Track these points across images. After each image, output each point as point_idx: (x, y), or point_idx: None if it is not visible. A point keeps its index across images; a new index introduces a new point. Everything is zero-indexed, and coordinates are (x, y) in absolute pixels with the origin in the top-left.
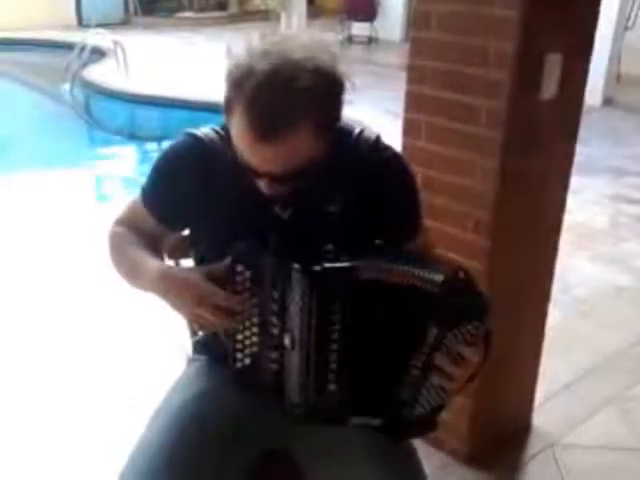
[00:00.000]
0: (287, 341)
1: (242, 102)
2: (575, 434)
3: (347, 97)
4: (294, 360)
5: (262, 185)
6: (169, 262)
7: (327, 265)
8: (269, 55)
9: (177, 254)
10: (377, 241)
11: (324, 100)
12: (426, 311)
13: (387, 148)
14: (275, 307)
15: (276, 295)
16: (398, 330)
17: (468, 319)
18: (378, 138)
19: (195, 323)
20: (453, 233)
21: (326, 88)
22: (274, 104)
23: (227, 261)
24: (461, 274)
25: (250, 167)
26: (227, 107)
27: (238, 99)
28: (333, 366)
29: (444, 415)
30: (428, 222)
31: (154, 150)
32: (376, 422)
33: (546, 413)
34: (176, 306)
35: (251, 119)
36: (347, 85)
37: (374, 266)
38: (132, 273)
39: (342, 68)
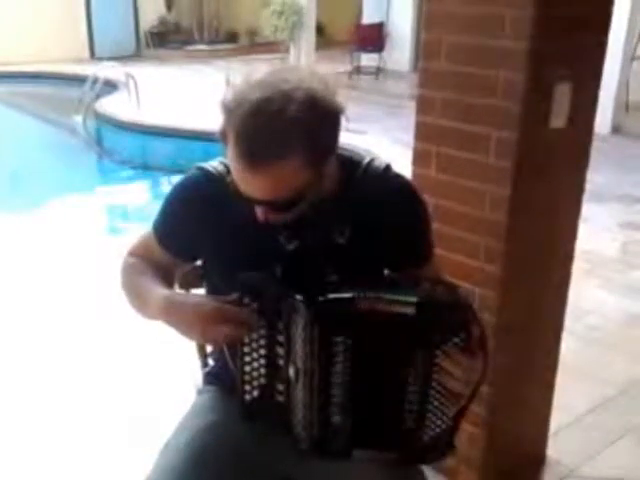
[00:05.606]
0: (291, 372)
1: (233, 131)
2: (590, 466)
3: (353, 127)
4: (298, 391)
5: (258, 211)
6: (180, 291)
7: (329, 296)
8: (262, 85)
9: (189, 284)
10: (386, 270)
11: (314, 131)
12: (409, 334)
13: (397, 176)
14: (281, 338)
15: (281, 326)
16: (390, 357)
17: (453, 333)
18: (388, 167)
19: (206, 343)
20: (464, 262)
21: (317, 119)
22: (261, 134)
23: (234, 294)
24: (438, 290)
25: (246, 194)
26: (222, 137)
27: (230, 129)
28: (337, 399)
29: (456, 442)
30: (439, 251)
31: (165, 181)
32: (381, 456)
33: (560, 444)
34: (184, 330)
35: (240, 148)
36: (342, 116)
37: (373, 296)
38: (140, 302)
39: (337, 99)
